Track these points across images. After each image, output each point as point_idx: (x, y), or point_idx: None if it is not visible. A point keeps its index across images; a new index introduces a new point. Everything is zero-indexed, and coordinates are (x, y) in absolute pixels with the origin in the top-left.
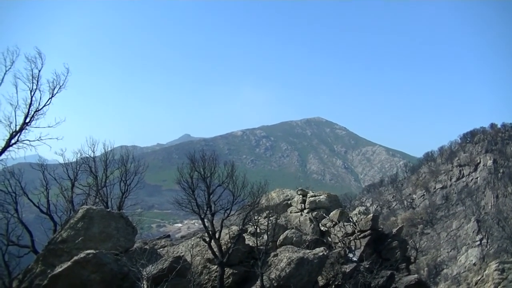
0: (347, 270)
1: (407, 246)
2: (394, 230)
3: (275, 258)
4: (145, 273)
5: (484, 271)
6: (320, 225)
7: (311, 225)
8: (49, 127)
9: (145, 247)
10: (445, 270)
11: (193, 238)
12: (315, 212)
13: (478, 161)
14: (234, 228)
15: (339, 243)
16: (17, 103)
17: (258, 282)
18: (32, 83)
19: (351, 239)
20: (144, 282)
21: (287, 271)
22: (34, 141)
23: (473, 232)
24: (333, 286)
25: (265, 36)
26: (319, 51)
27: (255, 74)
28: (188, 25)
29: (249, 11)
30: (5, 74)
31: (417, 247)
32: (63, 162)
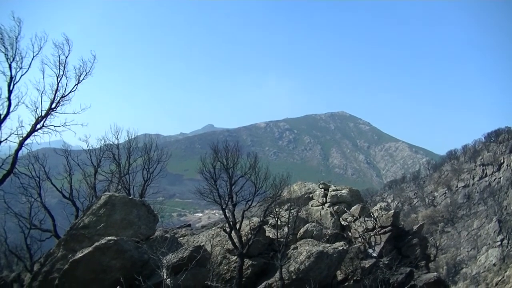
0: (366, 266)
1: (427, 244)
2: (415, 227)
3: (294, 251)
4: (165, 261)
5: (505, 272)
6: (340, 219)
7: (332, 219)
8: (74, 113)
9: (165, 235)
10: (464, 270)
11: (213, 228)
12: (336, 207)
13: (502, 160)
14: (255, 219)
15: (359, 238)
16: (44, 89)
17: (277, 274)
18: (59, 69)
19: (371, 234)
20: (164, 270)
21: (307, 264)
22: (59, 126)
23: (494, 232)
24: (352, 281)
25: (291, 28)
26: (345, 46)
27: (280, 66)
28: (214, 15)
29: (275, 2)
30: (32, 59)
31: (437, 245)
32: (87, 148)
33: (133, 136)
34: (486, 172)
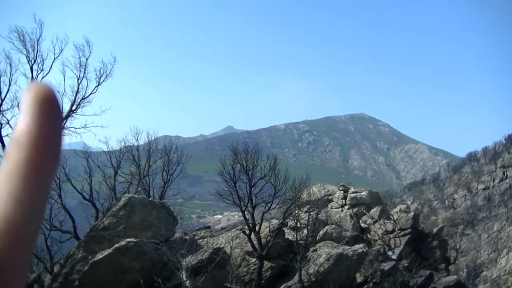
0: (386, 268)
1: (447, 247)
2: (435, 230)
3: (314, 253)
4: (184, 263)
5: None
6: (360, 221)
7: (351, 222)
8: (94, 115)
9: (185, 237)
10: (484, 272)
11: (233, 230)
12: (356, 209)
13: None
14: (275, 221)
15: (379, 241)
16: (64, 91)
17: (297, 277)
18: (80, 71)
19: (391, 237)
20: (183, 272)
21: (326, 266)
22: (79, 128)
23: None
24: (371, 284)
25: (310, 28)
26: (365, 47)
27: (299, 67)
28: (232, 16)
29: (292, 2)
30: (53, 61)
31: (457, 247)
32: (107, 150)
33: (153, 138)
34: (507, 174)
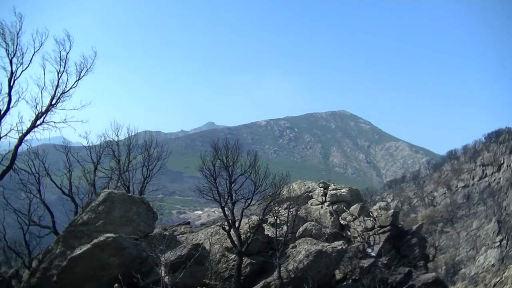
0: (365, 265)
1: (426, 244)
2: (414, 227)
3: (293, 249)
4: (163, 259)
5: (503, 273)
6: (340, 218)
7: (331, 218)
8: (74, 109)
9: (164, 233)
10: (463, 270)
11: (212, 226)
12: (336, 206)
13: (502, 161)
14: (254, 218)
15: (358, 238)
16: (44, 85)
17: (276, 273)
18: (60, 65)
19: (371, 234)
20: (162, 268)
21: (305, 263)
22: (59, 123)
23: (493, 232)
24: (350, 281)
25: (292, 26)
26: (346, 44)
27: (281, 64)
28: (215, 12)
29: (274, 1)
30: (33, 55)
31: (436, 245)
32: (87, 145)
33: (133, 133)
34: (486, 173)
